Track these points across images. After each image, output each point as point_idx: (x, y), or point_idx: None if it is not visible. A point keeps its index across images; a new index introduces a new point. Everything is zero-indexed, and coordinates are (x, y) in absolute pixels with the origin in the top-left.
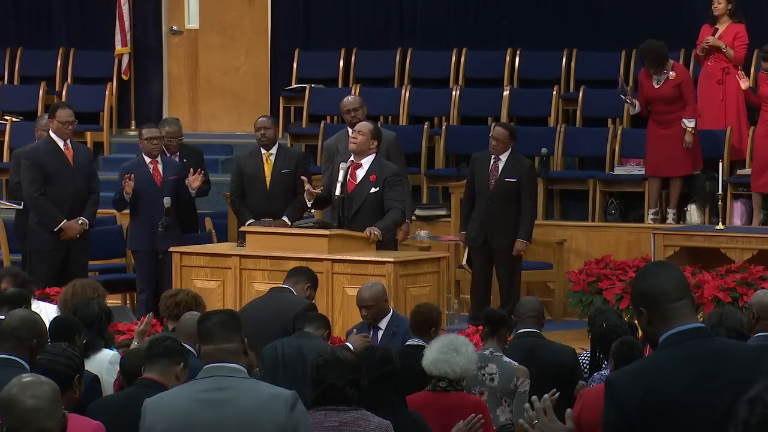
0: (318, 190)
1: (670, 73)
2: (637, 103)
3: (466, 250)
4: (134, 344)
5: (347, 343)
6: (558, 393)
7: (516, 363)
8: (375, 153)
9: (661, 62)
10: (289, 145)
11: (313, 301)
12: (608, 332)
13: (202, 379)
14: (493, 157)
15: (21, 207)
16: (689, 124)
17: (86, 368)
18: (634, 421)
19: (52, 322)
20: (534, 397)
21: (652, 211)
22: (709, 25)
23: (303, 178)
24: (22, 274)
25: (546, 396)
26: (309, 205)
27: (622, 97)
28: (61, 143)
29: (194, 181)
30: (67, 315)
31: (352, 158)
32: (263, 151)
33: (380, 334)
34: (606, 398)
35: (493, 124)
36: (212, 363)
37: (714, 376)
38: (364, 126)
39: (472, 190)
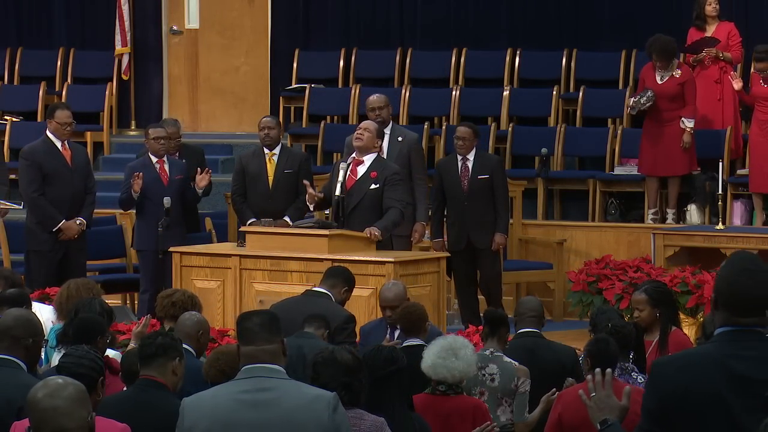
0: (321, 194)
1: (677, 70)
2: (648, 93)
3: None
4: (131, 346)
5: None
6: (558, 393)
7: (516, 363)
8: (377, 152)
9: (670, 55)
10: (288, 145)
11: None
12: (614, 332)
13: (243, 380)
14: (460, 158)
15: (21, 207)
16: (688, 123)
17: None
18: (671, 410)
19: (76, 322)
20: (597, 370)
21: (651, 211)
22: (696, 29)
23: (305, 182)
24: (15, 276)
25: (608, 370)
26: (311, 209)
27: (637, 100)
28: (59, 144)
29: (201, 180)
30: (90, 315)
31: (353, 155)
32: (266, 151)
33: (396, 334)
34: (648, 383)
35: (490, 122)
36: (252, 364)
37: (756, 379)
38: (371, 124)
39: (442, 195)
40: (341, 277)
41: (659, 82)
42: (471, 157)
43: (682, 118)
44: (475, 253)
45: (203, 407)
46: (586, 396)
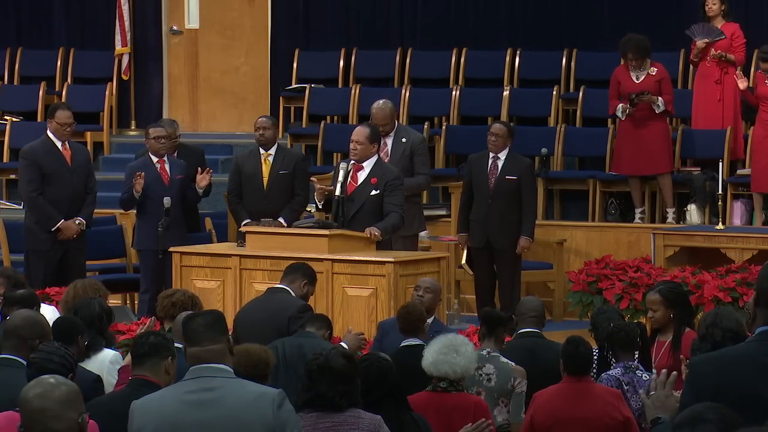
0: (330, 188)
1: (651, 68)
2: (659, 99)
3: (465, 251)
4: None
5: (341, 342)
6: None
7: (513, 363)
8: (377, 155)
9: (645, 53)
10: (288, 145)
11: (312, 298)
12: (616, 331)
13: (189, 380)
14: (491, 156)
15: (21, 207)
16: (661, 105)
17: (87, 368)
18: None
19: (54, 323)
20: (664, 371)
21: (638, 210)
22: None
23: (313, 178)
24: (17, 275)
25: (675, 372)
26: (320, 206)
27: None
28: (59, 143)
29: (201, 180)
30: (68, 315)
31: (353, 161)
32: (262, 151)
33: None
34: (686, 380)
35: (490, 122)
36: (199, 364)
37: None
38: (361, 134)
39: (471, 191)
40: (299, 272)
41: (636, 82)
42: (502, 156)
43: (659, 97)
44: (494, 253)
45: (151, 409)
46: (645, 396)
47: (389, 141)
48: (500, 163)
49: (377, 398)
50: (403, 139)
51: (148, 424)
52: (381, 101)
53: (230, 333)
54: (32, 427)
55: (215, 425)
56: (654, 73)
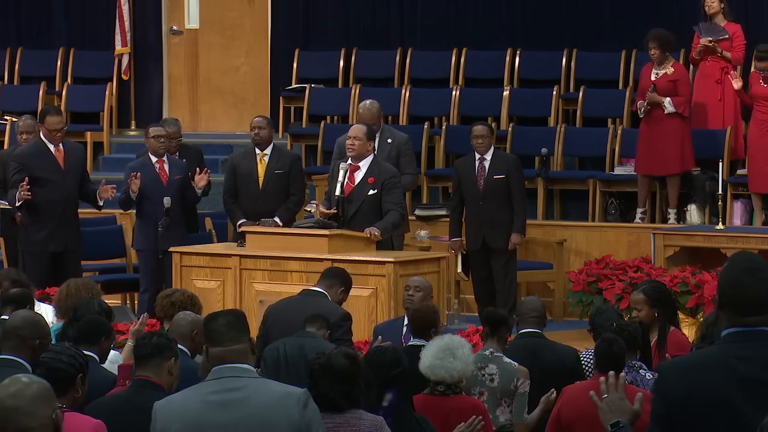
0: (333, 210)
1: (670, 68)
2: (665, 99)
3: (459, 258)
4: (129, 344)
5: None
6: (563, 389)
7: (516, 363)
8: (372, 154)
9: (665, 46)
10: (288, 145)
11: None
12: (619, 331)
13: (213, 381)
14: (477, 157)
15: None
16: (669, 106)
17: None
18: (679, 414)
19: (82, 323)
20: (611, 373)
21: (640, 210)
22: None
23: (314, 201)
24: (21, 277)
25: (622, 374)
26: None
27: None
28: (51, 146)
29: (200, 180)
30: (95, 316)
31: (349, 161)
32: (257, 151)
33: (404, 329)
34: (655, 388)
35: (490, 122)
36: (222, 364)
37: (764, 380)
38: (359, 131)
39: (460, 195)
40: (338, 278)
41: (652, 79)
42: (488, 156)
43: (667, 97)
44: (490, 253)
45: (174, 410)
46: (597, 397)
47: (375, 142)
48: (487, 164)
49: (392, 377)
50: (389, 140)
51: (172, 424)
52: (368, 101)
53: (260, 329)
54: (5, 426)
55: (240, 425)
56: (671, 73)
